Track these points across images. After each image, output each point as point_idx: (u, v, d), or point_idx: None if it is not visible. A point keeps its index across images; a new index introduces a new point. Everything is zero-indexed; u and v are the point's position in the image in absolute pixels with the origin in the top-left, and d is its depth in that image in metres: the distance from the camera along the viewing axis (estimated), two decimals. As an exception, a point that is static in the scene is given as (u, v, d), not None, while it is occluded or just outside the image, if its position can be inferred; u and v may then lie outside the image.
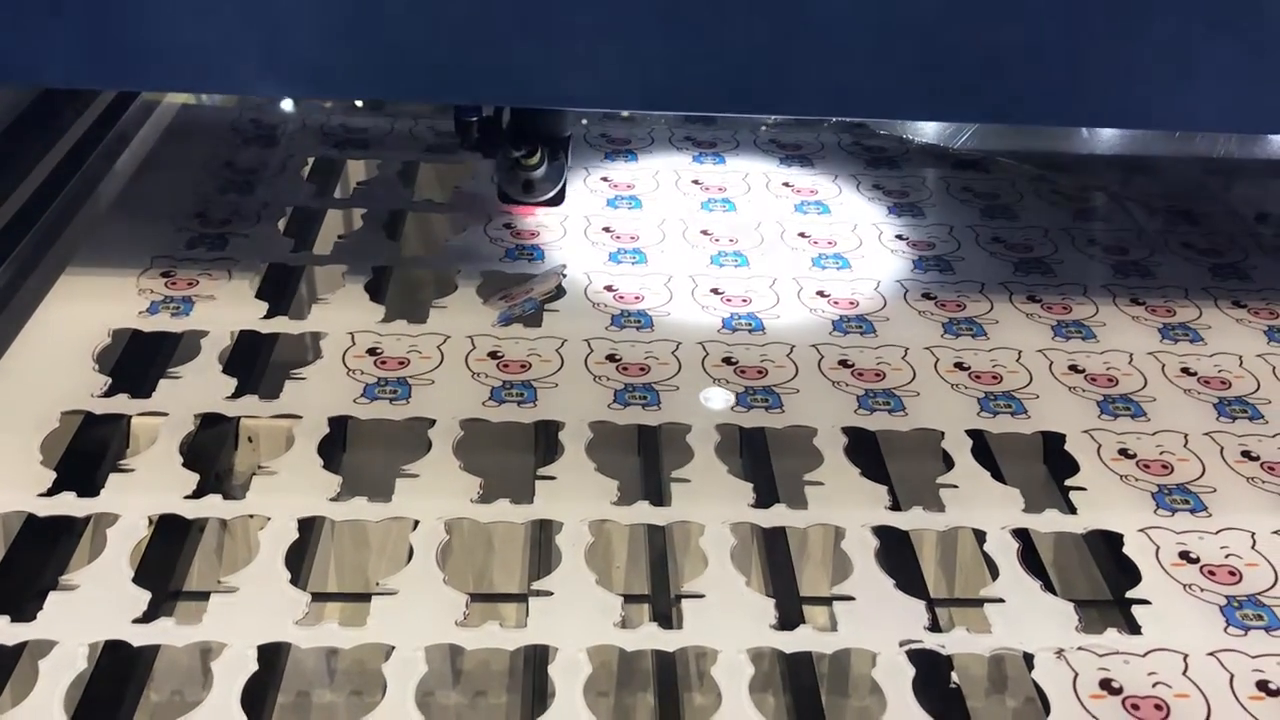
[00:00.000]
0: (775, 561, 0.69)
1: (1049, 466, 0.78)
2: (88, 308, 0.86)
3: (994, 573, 0.68)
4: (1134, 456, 0.77)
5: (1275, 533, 0.71)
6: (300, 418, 0.77)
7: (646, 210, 1.05)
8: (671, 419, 0.78)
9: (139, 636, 0.61)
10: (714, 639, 0.63)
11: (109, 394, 0.78)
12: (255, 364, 0.83)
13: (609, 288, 0.93)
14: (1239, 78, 0.78)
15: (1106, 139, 1.24)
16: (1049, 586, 0.67)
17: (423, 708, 0.59)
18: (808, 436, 0.77)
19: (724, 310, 0.91)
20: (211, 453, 0.75)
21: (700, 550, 0.69)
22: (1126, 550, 0.70)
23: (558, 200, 1.01)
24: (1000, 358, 0.87)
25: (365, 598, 0.65)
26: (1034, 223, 1.07)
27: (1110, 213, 1.11)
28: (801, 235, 1.02)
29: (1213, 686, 0.61)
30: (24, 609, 0.62)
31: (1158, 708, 0.60)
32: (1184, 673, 0.62)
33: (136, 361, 0.82)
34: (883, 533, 0.70)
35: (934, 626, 0.64)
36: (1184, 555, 0.69)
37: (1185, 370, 0.86)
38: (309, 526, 0.69)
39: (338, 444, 0.76)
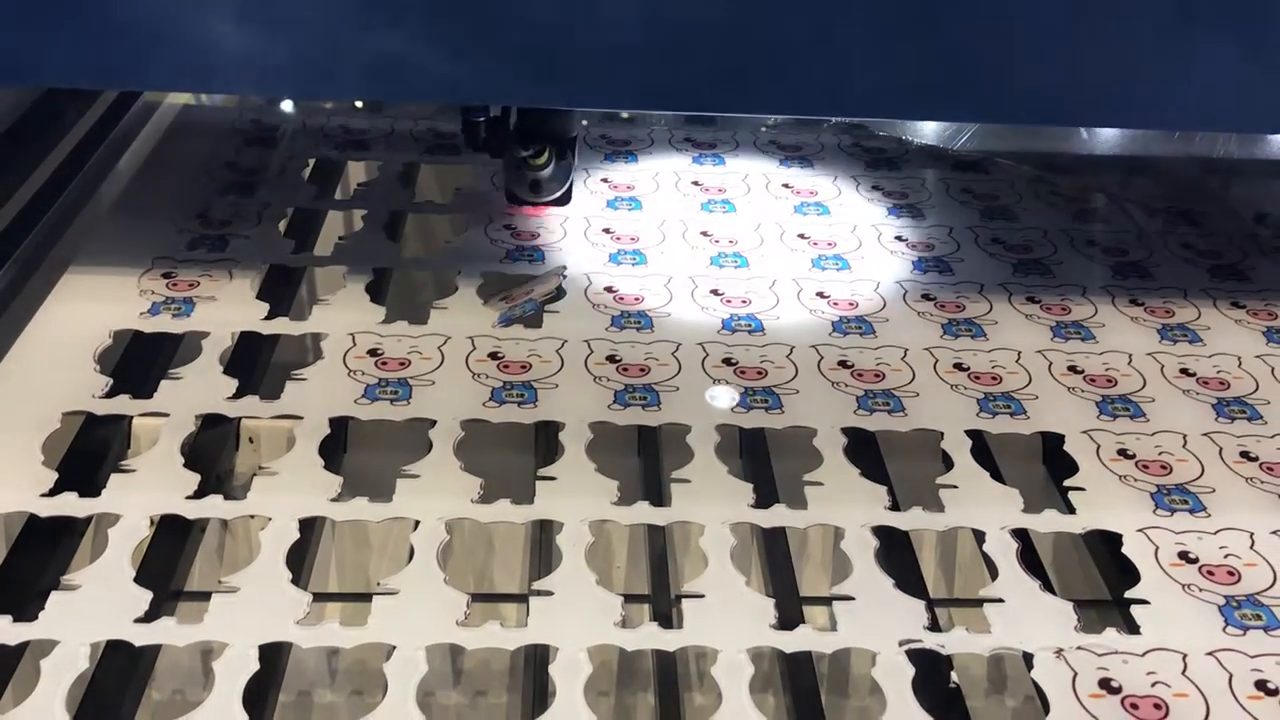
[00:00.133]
0: (775, 561, 0.69)
1: (1048, 467, 0.78)
2: (89, 308, 0.86)
3: (993, 573, 0.68)
4: (1133, 457, 0.77)
5: (1274, 533, 0.71)
6: (301, 418, 0.77)
7: (646, 211, 1.05)
8: (671, 420, 0.79)
9: (140, 636, 0.62)
10: (714, 639, 0.63)
11: (110, 395, 0.78)
12: (256, 365, 0.83)
13: (609, 289, 0.93)
14: (1238, 77, 0.78)
15: (1105, 140, 1.24)
16: (1048, 586, 0.68)
17: (423, 707, 0.59)
18: (807, 437, 0.78)
19: (724, 311, 0.91)
20: (212, 453, 0.75)
21: (700, 550, 0.69)
22: (1125, 550, 0.70)
23: (565, 200, 1.01)
24: (999, 358, 0.87)
25: (366, 598, 0.65)
26: (1033, 224, 1.07)
27: (1109, 214, 1.11)
28: (801, 236, 1.02)
29: (1211, 686, 0.61)
30: (26, 609, 0.63)
31: (1157, 707, 0.60)
32: (1183, 672, 0.62)
33: (138, 362, 0.82)
34: (882, 533, 0.70)
35: (933, 626, 0.64)
36: (1183, 555, 0.70)
37: (1184, 371, 0.86)
38: (310, 527, 0.69)
39: (339, 444, 0.76)
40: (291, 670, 0.64)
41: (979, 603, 0.67)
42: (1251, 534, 0.71)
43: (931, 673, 0.62)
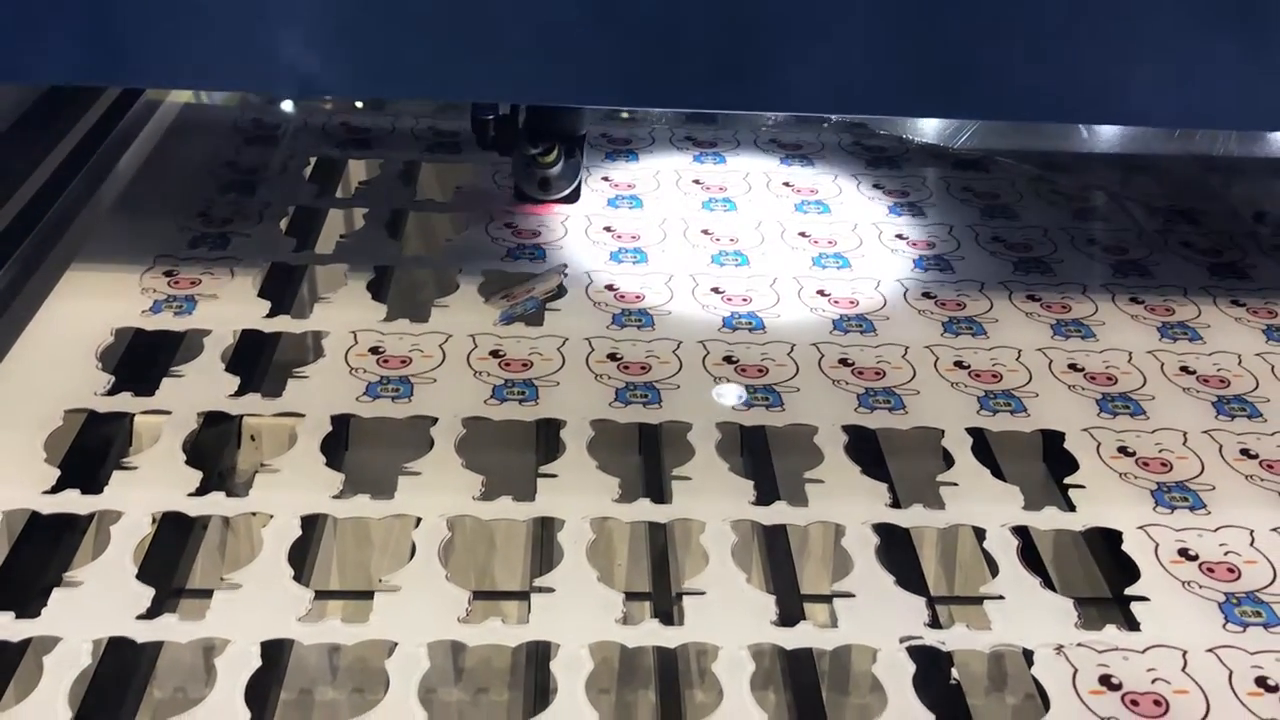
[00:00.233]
0: (776, 559, 0.69)
1: (1048, 464, 0.78)
2: (91, 306, 0.87)
3: (994, 570, 0.69)
4: (1133, 454, 0.77)
5: (1274, 530, 0.72)
6: (303, 416, 0.77)
7: (647, 210, 1.06)
8: (672, 417, 0.79)
9: (142, 633, 0.62)
10: (715, 636, 0.63)
11: (112, 392, 0.78)
12: (258, 362, 0.83)
13: (610, 287, 0.93)
14: (1238, 74, 0.78)
15: (1106, 138, 1.24)
16: (1048, 583, 0.68)
17: (425, 704, 0.59)
18: (808, 434, 0.78)
19: (724, 309, 0.91)
20: (214, 451, 0.75)
21: (701, 547, 0.69)
22: (1125, 547, 0.70)
23: (574, 198, 1.01)
24: (1000, 356, 0.87)
25: (368, 595, 0.65)
26: (1034, 222, 1.07)
27: (1110, 212, 1.11)
28: (802, 234, 1.02)
29: (1212, 683, 0.61)
30: (28, 606, 0.63)
31: (1157, 704, 0.60)
32: (1183, 669, 0.62)
33: (139, 360, 0.82)
34: (883, 530, 0.70)
35: (934, 623, 0.64)
36: (1183, 552, 0.70)
37: (1184, 369, 0.87)
38: (311, 524, 0.70)
39: (340, 442, 0.76)
40: (293, 667, 0.64)
41: (979, 600, 0.67)
42: (1251, 531, 0.71)
43: (932, 670, 0.62)
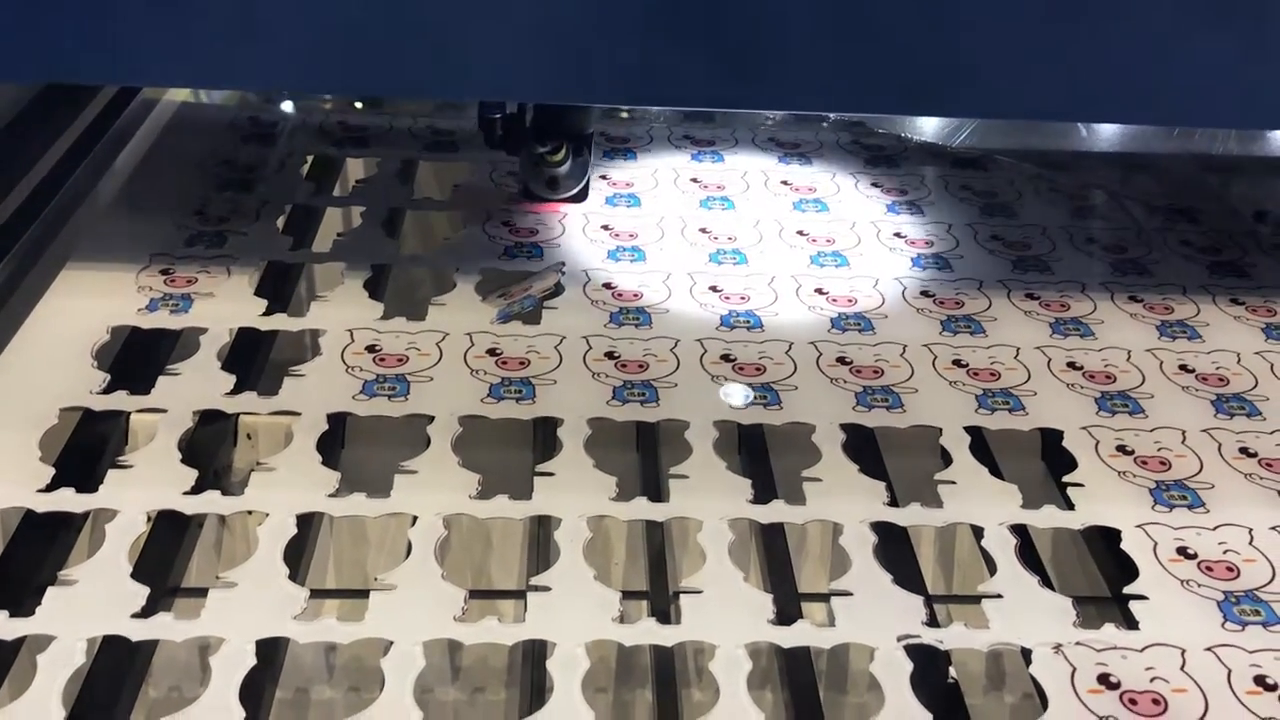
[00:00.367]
0: (773, 557, 0.69)
1: (1047, 463, 0.78)
2: (87, 304, 0.86)
3: (992, 568, 0.68)
4: (1132, 453, 0.77)
5: (1273, 529, 0.71)
6: (299, 414, 0.77)
7: (645, 208, 1.05)
8: (670, 416, 0.78)
9: (137, 632, 0.62)
10: (712, 634, 0.63)
11: (108, 390, 0.78)
12: (254, 361, 0.83)
13: (608, 285, 0.93)
14: (1238, 74, 0.78)
15: (1105, 137, 1.24)
16: (1047, 582, 0.67)
17: (421, 704, 0.59)
18: (806, 433, 0.78)
19: (722, 307, 0.91)
20: (210, 449, 0.75)
21: (699, 546, 0.69)
22: (1124, 546, 0.70)
23: (582, 197, 1.01)
24: (998, 355, 0.87)
25: (364, 593, 0.65)
26: (1032, 220, 1.07)
27: (1108, 210, 1.11)
28: (800, 233, 1.02)
29: (1210, 682, 0.61)
30: (23, 604, 0.62)
31: (1155, 703, 0.60)
32: (1182, 668, 0.62)
33: (135, 358, 0.82)
34: (881, 529, 0.70)
35: (932, 622, 0.64)
36: (1182, 551, 0.69)
37: (1183, 367, 0.86)
38: (307, 522, 0.69)
39: (336, 440, 0.76)
40: (289, 666, 0.64)
41: (977, 599, 0.67)
42: (1250, 530, 0.71)
43: (930, 668, 0.62)
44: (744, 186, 1.10)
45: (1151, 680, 0.61)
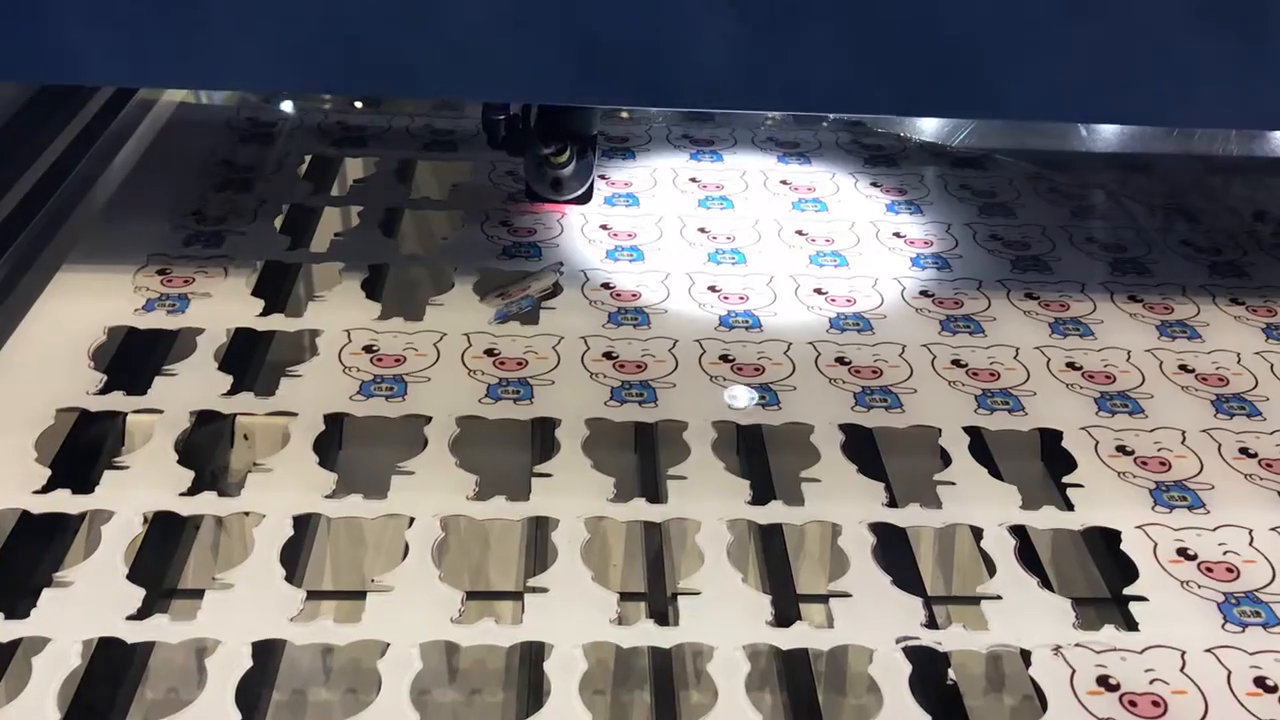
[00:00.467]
0: (772, 558, 0.69)
1: (1046, 463, 0.78)
2: (84, 305, 0.86)
3: (991, 570, 0.68)
4: (1132, 453, 0.77)
5: (1273, 529, 0.71)
6: (296, 415, 0.77)
7: (644, 208, 1.05)
8: (668, 416, 0.78)
9: (133, 633, 0.61)
10: (710, 636, 0.63)
11: (104, 391, 0.78)
12: (251, 361, 0.82)
13: (606, 285, 0.93)
14: (1238, 74, 0.78)
15: (1104, 137, 1.24)
16: (1046, 583, 0.67)
17: (418, 705, 0.59)
18: (805, 433, 0.77)
19: (721, 307, 0.91)
20: (207, 450, 0.75)
21: (697, 547, 0.68)
22: (1124, 547, 0.70)
23: (586, 198, 1.01)
24: (998, 355, 0.86)
25: (360, 595, 0.65)
26: (1032, 220, 1.07)
27: (1108, 210, 1.11)
28: (799, 233, 1.02)
29: (1210, 683, 0.61)
30: (18, 606, 0.62)
31: (1155, 704, 0.60)
32: (1181, 669, 0.62)
33: (132, 359, 0.82)
34: (880, 530, 0.70)
35: (931, 623, 0.64)
36: (1181, 552, 0.69)
37: (1183, 367, 0.86)
38: (304, 523, 0.69)
39: (334, 441, 0.76)
40: (285, 668, 0.64)
41: (977, 600, 0.67)
42: (1250, 531, 0.71)
43: (929, 670, 0.62)
44: (743, 186, 1.10)
45: (1151, 682, 0.61)
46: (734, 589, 0.66)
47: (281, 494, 0.70)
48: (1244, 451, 0.78)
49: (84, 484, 0.70)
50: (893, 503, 0.72)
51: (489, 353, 0.83)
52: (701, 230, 1.02)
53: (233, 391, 0.78)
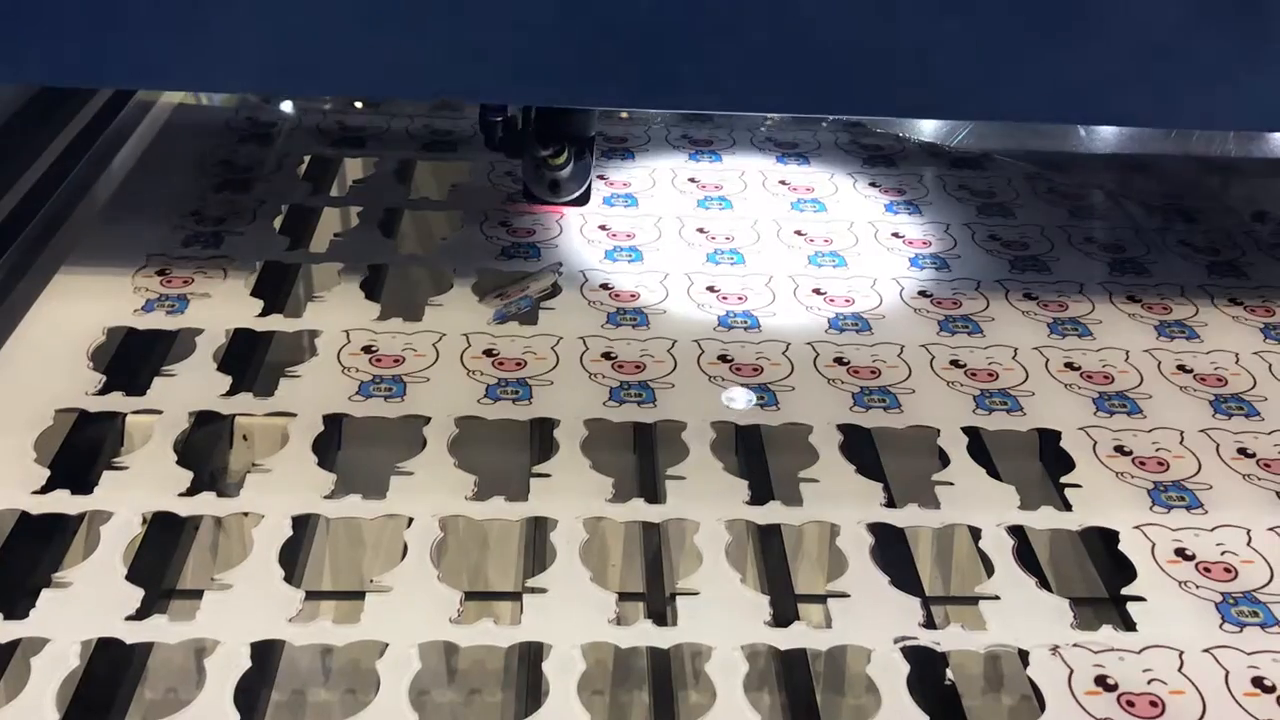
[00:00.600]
0: (770, 558, 0.69)
1: (1045, 464, 0.78)
2: (83, 305, 0.86)
3: (989, 570, 0.68)
4: (1130, 453, 0.77)
5: (1271, 530, 0.71)
6: (295, 415, 0.77)
7: (642, 208, 1.05)
8: (667, 416, 0.78)
9: (132, 634, 0.61)
10: (709, 636, 0.63)
11: (103, 392, 0.78)
12: (250, 362, 0.82)
13: (605, 285, 0.93)
14: (1238, 74, 0.78)
15: (1103, 137, 1.24)
16: (1044, 583, 0.67)
17: (417, 706, 0.59)
18: (803, 434, 0.77)
19: (720, 308, 0.91)
20: (206, 450, 0.75)
21: (695, 547, 0.68)
22: (1122, 547, 0.70)
23: (583, 200, 1.01)
24: (996, 355, 0.86)
25: (359, 595, 0.65)
26: (1031, 220, 1.07)
27: (1107, 210, 1.11)
28: (798, 233, 1.02)
29: (1208, 683, 0.61)
30: (17, 606, 0.62)
31: (1153, 704, 0.60)
32: (1179, 669, 0.62)
33: (131, 359, 0.82)
34: (878, 530, 0.70)
35: (929, 623, 0.64)
36: (1180, 552, 0.69)
37: (1181, 367, 0.86)
38: (303, 524, 0.69)
39: (332, 441, 0.76)
40: (284, 668, 0.64)
41: (975, 600, 0.67)
42: (1248, 531, 0.71)
43: (927, 670, 0.62)
44: (742, 186, 1.10)
45: (1149, 682, 0.61)
46: (732, 589, 0.66)
47: (280, 494, 0.70)
48: (1242, 452, 0.78)
49: (83, 484, 0.70)
50: (891, 503, 0.72)
51: (488, 353, 0.84)
52: (700, 231, 1.02)
53: (232, 392, 0.78)
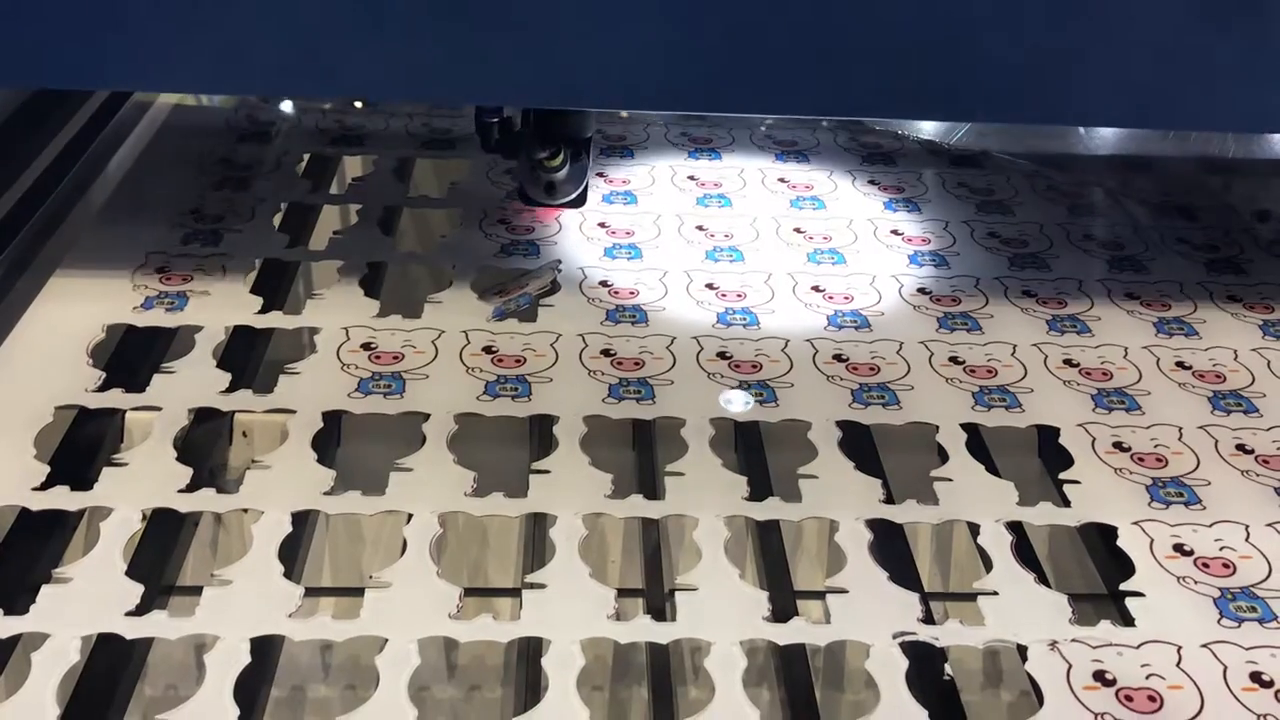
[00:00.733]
0: (769, 555, 0.69)
1: (1043, 460, 0.78)
2: (83, 303, 0.86)
3: (988, 565, 0.68)
4: (1128, 450, 0.77)
5: (1269, 525, 0.71)
6: (294, 412, 0.77)
7: (642, 206, 1.05)
8: (666, 413, 0.78)
9: (132, 629, 0.61)
10: (708, 632, 0.63)
11: (103, 389, 0.78)
12: (250, 359, 0.83)
13: (604, 283, 0.93)
14: (1238, 75, 0.78)
15: (1103, 136, 1.24)
16: (1043, 579, 0.67)
17: (416, 701, 0.59)
18: (802, 430, 0.77)
19: (719, 305, 0.91)
20: (206, 447, 0.75)
21: (694, 543, 0.69)
22: (1120, 543, 0.70)
23: (580, 201, 1.01)
24: (995, 352, 0.86)
25: (359, 591, 0.65)
26: (1030, 218, 1.07)
27: (1106, 208, 1.11)
28: (797, 230, 1.02)
29: (1206, 678, 0.61)
30: (17, 602, 0.62)
31: (1151, 699, 0.60)
32: (1177, 664, 0.62)
33: (131, 356, 0.82)
34: (877, 526, 0.70)
35: (928, 619, 0.64)
36: (1178, 548, 0.69)
37: (1180, 364, 0.86)
38: (302, 520, 0.69)
39: (332, 438, 0.76)
40: (284, 664, 0.64)
41: (973, 596, 0.67)
42: (1247, 527, 0.71)
43: (926, 666, 0.62)
44: (741, 184, 1.10)
45: (1147, 677, 0.61)
46: (731, 585, 0.66)
47: (280, 491, 0.70)
48: (1240, 448, 0.78)
49: (83, 481, 0.70)
50: (890, 499, 0.72)
51: (487, 350, 0.84)
52: (699, 228, 1.02)
53: (231, 389, 0.79)
